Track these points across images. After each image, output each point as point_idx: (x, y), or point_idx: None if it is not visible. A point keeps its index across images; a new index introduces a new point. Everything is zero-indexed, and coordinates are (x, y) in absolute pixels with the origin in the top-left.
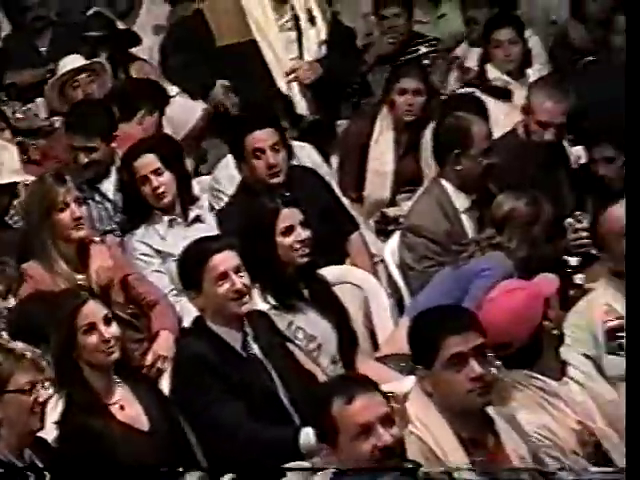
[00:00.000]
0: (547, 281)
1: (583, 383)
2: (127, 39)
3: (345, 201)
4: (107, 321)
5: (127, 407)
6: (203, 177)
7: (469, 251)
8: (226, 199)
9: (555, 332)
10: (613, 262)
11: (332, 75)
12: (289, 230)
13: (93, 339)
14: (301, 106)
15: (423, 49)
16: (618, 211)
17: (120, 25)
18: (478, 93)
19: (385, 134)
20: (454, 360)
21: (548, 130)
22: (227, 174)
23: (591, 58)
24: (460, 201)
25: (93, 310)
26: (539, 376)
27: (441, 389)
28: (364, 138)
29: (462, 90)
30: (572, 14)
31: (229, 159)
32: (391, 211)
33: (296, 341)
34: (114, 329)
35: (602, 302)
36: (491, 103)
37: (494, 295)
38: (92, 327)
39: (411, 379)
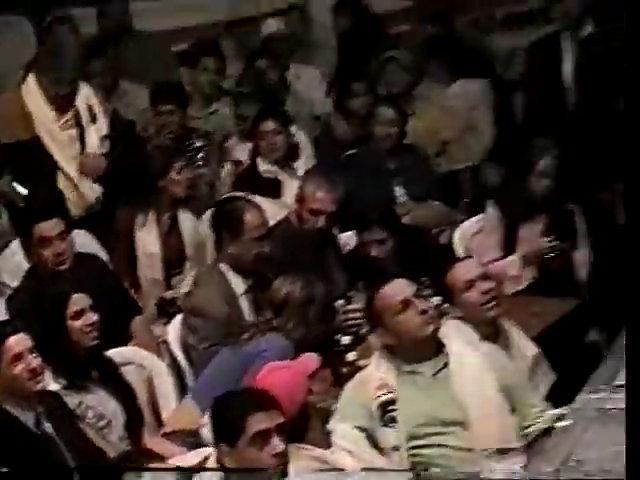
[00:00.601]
0: (309, 359)
1: (352, 451)
2: None
3: (126, 285)
4: None
5: None
6: None
7: (249, 333)
8: (7, 289)
9: (321, 405)
10: (387, 337)
11: (116, 167)
12: (78, 314)
13: None
14: (87, 195)
15: (198, 143)
16: (391, 289)
17: None
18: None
19: (149, 216)
20: (258, 437)
21: (320, 218)
22: (9, 264)
23: (353, 151)
24: (238, 284)
25: None
26: (311, 447)
27: (243, 466)
28: (131, 222)
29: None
30: (335, 109)
31: (13, 248)
32: (169, 294)
33: (86, 419)
34: None
35: (376, 377)
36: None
37: (262, 375)
38: None
39: (200, 452)
